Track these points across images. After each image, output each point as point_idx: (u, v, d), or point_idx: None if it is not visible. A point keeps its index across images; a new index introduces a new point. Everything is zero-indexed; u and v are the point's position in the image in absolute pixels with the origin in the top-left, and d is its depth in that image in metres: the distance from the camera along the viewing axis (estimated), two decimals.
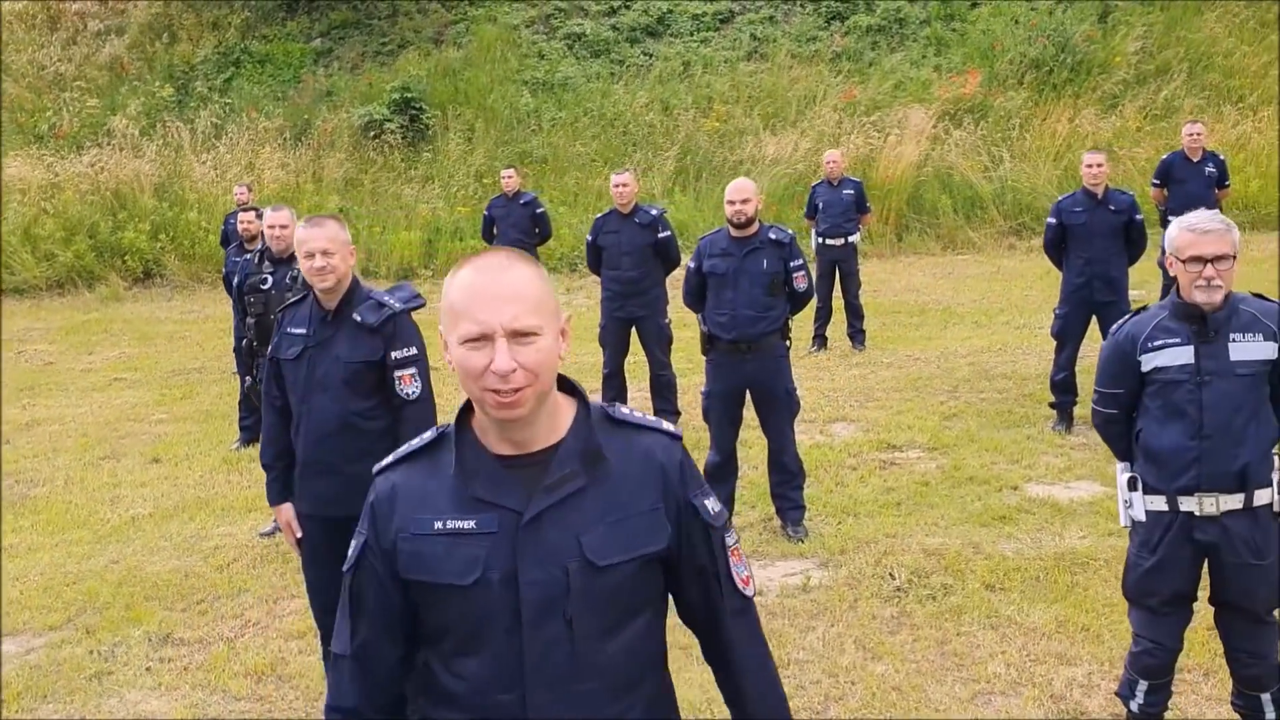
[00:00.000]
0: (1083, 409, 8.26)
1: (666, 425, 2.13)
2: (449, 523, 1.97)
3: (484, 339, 1.89)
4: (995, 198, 17.83)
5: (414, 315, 4.46)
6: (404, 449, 2.11)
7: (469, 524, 1.96)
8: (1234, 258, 3.65)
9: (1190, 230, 3.65)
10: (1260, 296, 3.82)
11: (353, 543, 2.09)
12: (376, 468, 2.13)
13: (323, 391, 4.26)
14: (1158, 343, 3.77)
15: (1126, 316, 3.98)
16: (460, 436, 2.04)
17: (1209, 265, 3.61)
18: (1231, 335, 3.70)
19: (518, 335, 1.89)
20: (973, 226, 17.68)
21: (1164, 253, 3.87)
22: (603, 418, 2.07)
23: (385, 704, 2.11)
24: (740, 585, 2.13)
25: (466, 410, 2.06)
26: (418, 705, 2.09)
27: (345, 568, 2.10)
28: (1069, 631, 5.19)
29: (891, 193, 17.64)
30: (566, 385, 2.07)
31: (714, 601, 2.11)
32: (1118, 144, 17.63)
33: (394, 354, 4.25)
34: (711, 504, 2.10)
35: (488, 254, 1.98)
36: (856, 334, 11.54)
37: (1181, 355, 3.73)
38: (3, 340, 14.76)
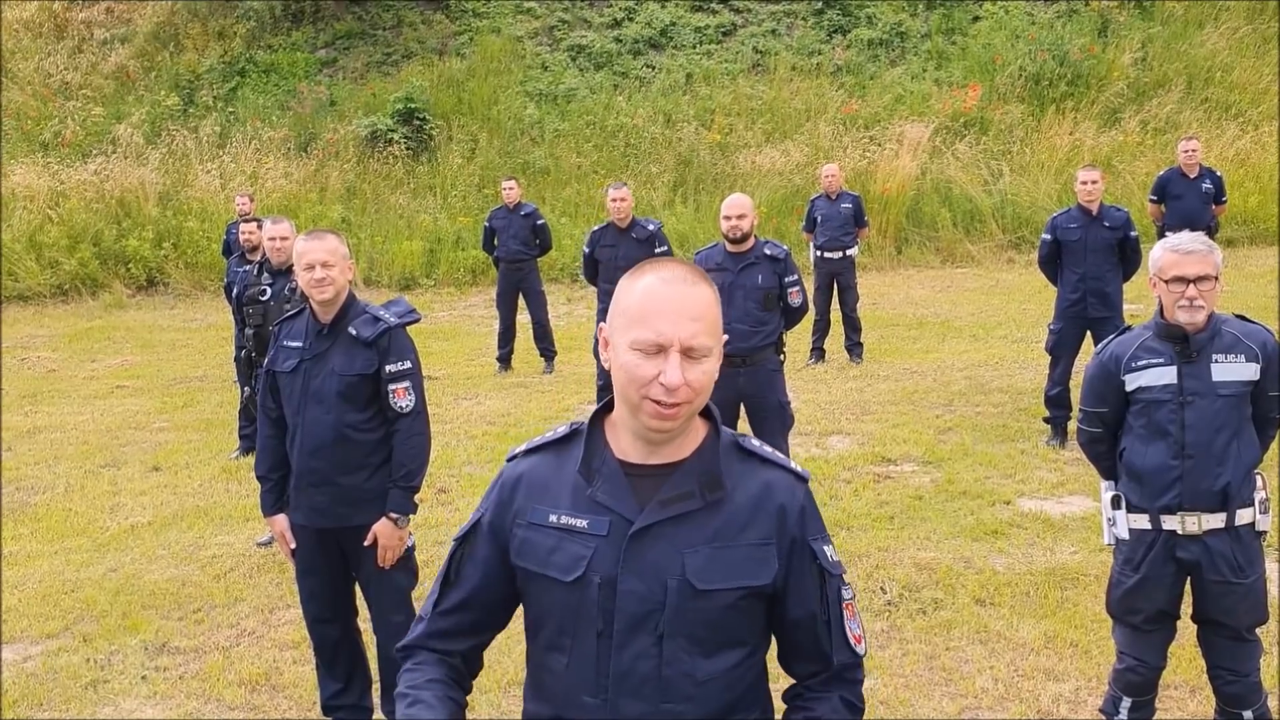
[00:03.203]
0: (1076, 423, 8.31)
1: (794, 466, 2.12)
2: (564, 518, 2.03)
3: (659, 350, 1.91)
4: (995, 211, 17.89)
5: (409, 329, 4.52)
6: (538, 439, 2.17)
7: (582, 523, 2.01)
8: (1216, 279, 3.70)
9: (1173, 251, 3.71)
10: (1243, 318, 3.87)
11: (471, 516, 2.15)
12: (510, 453, 2.18)
13: (318, 404, 4.31)
14: (1141, 362, 3.82)
15: (1111, 336, 4.03)
16: (591, 436, 2.08)
17: (1191, 285, 3.66)
18: (1214, 356, 3.75)
19: (691, 352, 1.92)
20: (972, 240, 17.74)
21: None
22: (731, 445, 2.08)
23: (450, 653, 2.15)
24: (851, 641, 2.08)
25: (602, 410, 2.10)
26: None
27: (455, 537, 2.17)
28: (1057, 647, 5.22)
29: (890, 205, 17.70)
30: (703, 409, 2.09)
31: (821, 650, 2.06)
32: (1117, 158, 17.70)
33: (388, 367, 4.30)
34: (830, 551, 2.08)
35: (673, 265, 1.99)
36: (854, 347, 11.59)
37: (1165, 375, 3.78)
38: (6, 348, 14.85)
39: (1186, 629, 4.61)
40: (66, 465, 9.43)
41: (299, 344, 4.40)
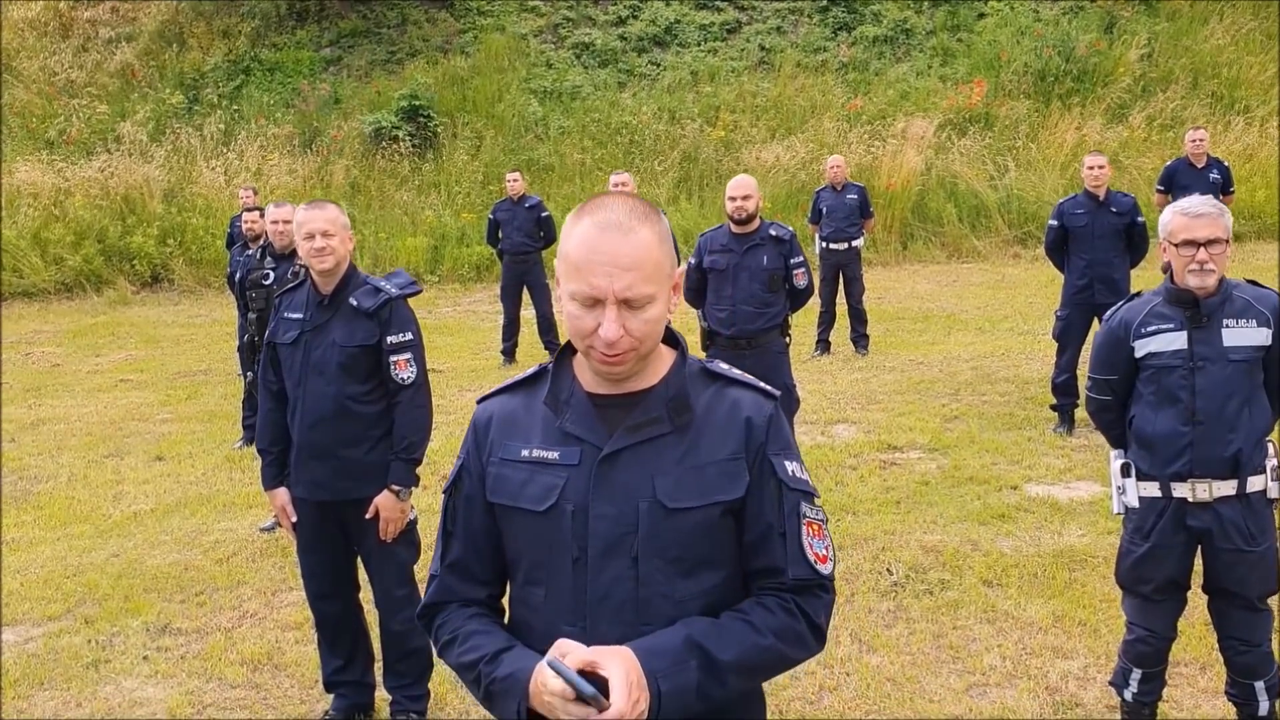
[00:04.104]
0: (1084, 411, 8.25)
1: (763, 385, 2.10)
2: (535, 451, 2.02)
3: (595, 302, 1.90)
4: (1000, 206, 17.84)
5: (409, 301, 4.48)
6: (506, 381, 2.18)
7: (553, 454, 2.00)
8: (1227, 242, 3.65)
9: (1183, 214, 3.66)
10: (1254, 283, 3.82)
11: (453, 466, 2.15)
12: (479, 397, 2.18)
13: (318, 375, 4.27)
14: (1151, 328, 3.77)
15: (1120, 303, 3.98)
16: (558, 371, 2.08)
17: (1201, 249, 3.61)
18: (1225, 321, 3.69)
19: (629, 303, 1.90)
20: (978, 235, 17.69)
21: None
22: (699, 371, 2.07)
23: (469, 602, 2.12)
24: (811, 558, 2.02)
25: (570, 347, 2.08)
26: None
27: (444, 489, 2.16)
28: (1066, 626, 5.17)
29: (895, 201, 17.67)
30: (669, 336, 2.08)
31: (776, 565, 2.01)
32: (1124, 154, 17.64)
33: (389, 339, 4.27)
34: (792, 467, 2.04)
35: (611, 205, 1.94)
36: (859, 338, 11.54)
37: (1175, 341, 3.72)
38: (11, 343, 14.85)
39: (1197, 607, 4.57)
40: (70, 455, 9.41)
41: (300, 315, 4.36)
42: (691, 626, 1.93)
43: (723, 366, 2.10)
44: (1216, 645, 4.09)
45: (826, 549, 2.06)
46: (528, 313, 12.22)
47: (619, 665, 1.82)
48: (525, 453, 2.03)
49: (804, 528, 2.03)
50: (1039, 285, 14.45)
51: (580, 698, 1.78)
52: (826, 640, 2.10)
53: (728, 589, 2.02)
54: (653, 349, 1.99)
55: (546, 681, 1.82)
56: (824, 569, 2.04)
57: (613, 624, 1.95)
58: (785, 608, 2.00)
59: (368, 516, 4.30)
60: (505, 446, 2.06)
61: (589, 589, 1.96)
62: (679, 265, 2.03)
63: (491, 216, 12.42)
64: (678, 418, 1.99)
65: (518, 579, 2.08)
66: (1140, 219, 8.17)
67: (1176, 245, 3.67)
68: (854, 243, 11.49)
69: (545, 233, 12.11)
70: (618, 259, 1.88)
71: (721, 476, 1.98)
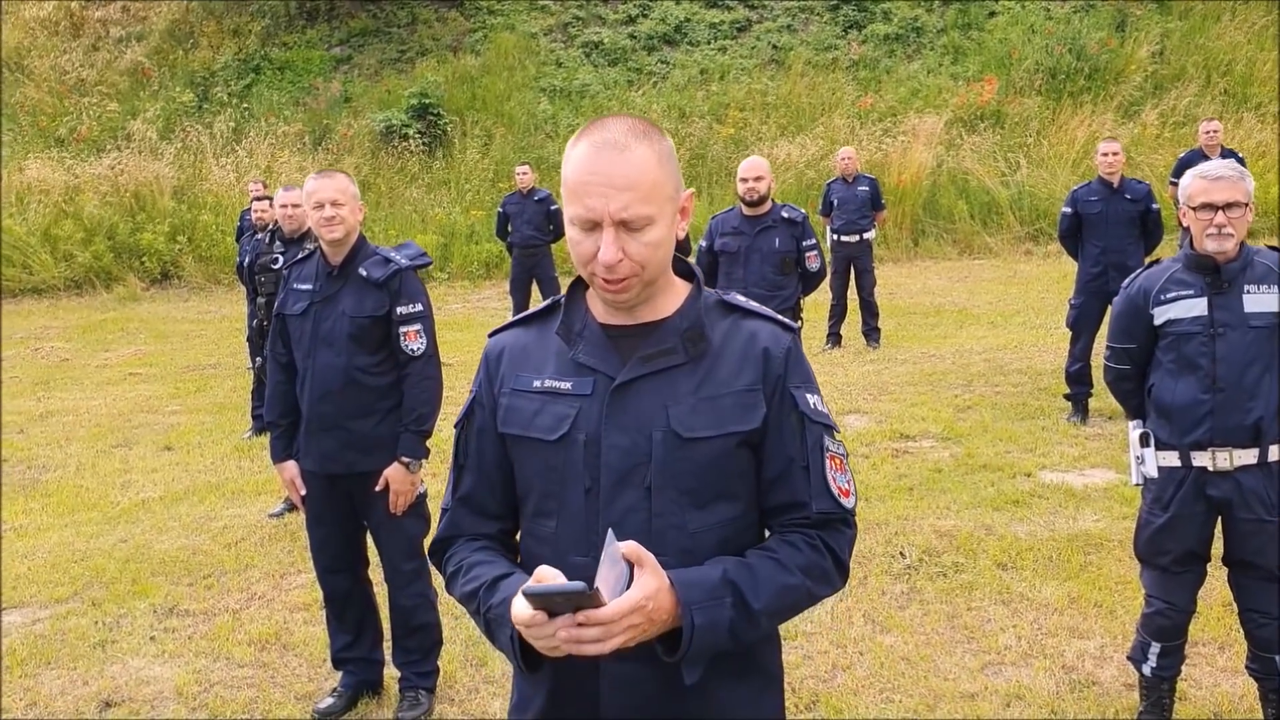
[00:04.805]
0: (1098, 400, 8.20)
1: (781, 317, 2.05)
2: (547, 382, 1.98)
3: (594, 225, 1.85)
4: (1012, 203, 17.78)
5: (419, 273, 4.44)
6: (518, 316, 2.14)
7: (565, 385, 1.96)
8: (1247, 206, 3.59)
9: (1203, 178, 3.60)
10: (1276, 249, 3.76)
11: (466, 400, 2.11)
12: (490, 331, 2.14)
13: (328, 347, 4.23)
14: (1170, 295, 3.70)
15: (1139, 270, 3.92)
16: (571, 303, 2.03)
17: (1220, 213, 3.55)
18: (1246, 287, 3.63)
19: (627, 225, 1.84)
20: (989, 231, 17.63)
21: (1178, 205, 3.81)
22: (715, 302, 2.02)
23: (478, 536, 2.08)
24: (835, 491, 1.97)
25: (582, 279, 2.04)
26: None
27: (455, 423, 2.12)
28: (1081, 607, 5.11)
29: (906, 197, 17.61)
30: (684, 268, 2.04)
31: (799, 499, 1.96)
32: (1136, 151, 17.54)
33: (399, 309, 4.23)
34: (814, 400, 1.98)
35: (609, 125, 1.89)
36: (871, 331, 11.47)
37: (1195, 307, 3.66)
38: (20, 339, 14.86)
39: (1215, 588, 4.52)
40: (78, 446, 9.39)
41: (309, 286, 4.32)
42: (725, 564, 1.88)
43: (739, 298, 2.05)
44: (1237, 623, 4.03)
45: (849, 483, 2.01)
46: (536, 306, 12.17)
47: (644, 583, 1.76)
48: (537, 383, 1.99)
49: (827, 461, 1.97)
50: (1051, 281, 14.38)
51: (564, 601, 1.71)
52: (849, 576, 2.05)
53: (743, 523, 1.97)
54: (657, 275, 1.93)
55: (518, 613, 1.77)
56: (847, 502, 1.99)
57: None
58: (811, 544, 1.95)
59: (377, 489, 4.25)
60: (517, 378, 2.02)
61: (601, 520, 1.90)
62: (684, 188, 1.98)
63: (501, 210, 12.40)
64: (693, 348, 1.94)
65: (527, 511, 2.03)
66: (1155, 205, 8.11)
67: (1195, 209, 3.61)
68: (865, 235, 11.43)
69: (554, 226, 12.09)
70: (613, 179, 1.83)
71: (737, 407, 1.93)
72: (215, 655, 5.09)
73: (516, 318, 2.13)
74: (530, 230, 11.96)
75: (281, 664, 4.98)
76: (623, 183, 1.83)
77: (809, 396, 1.98)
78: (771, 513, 2.00)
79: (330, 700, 4.49)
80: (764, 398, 1.94)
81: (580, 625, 1.71)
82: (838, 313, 11.53)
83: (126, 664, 5.08)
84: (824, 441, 1.98)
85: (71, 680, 4.93)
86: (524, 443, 1.99)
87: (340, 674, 4.61)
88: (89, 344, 14.80)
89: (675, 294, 2.00)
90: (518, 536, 2.11)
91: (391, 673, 4.64)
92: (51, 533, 7.10)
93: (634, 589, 1.75)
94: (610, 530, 1.78)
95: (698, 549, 1.91)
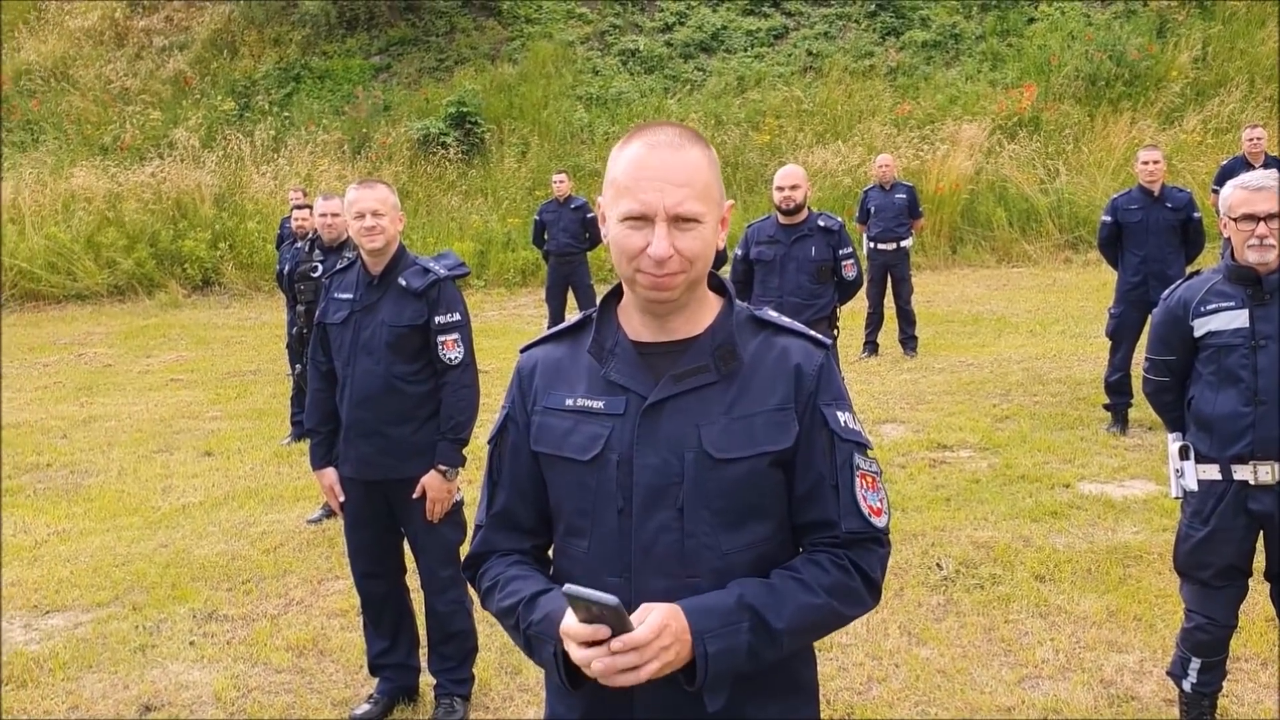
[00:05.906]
0: (1138, 411, 8.12)
1: (814, 333, 2.04)
2: (580, 400, 1.98)
3: (645, 220, 1.85)
4: (1051, 211, 17.64)
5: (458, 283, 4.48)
6: (551, 330, 2.14)
7: (598, 404, 1.96)
8: None
9: (1244, 188, 3.57)
10: None
11: (497, 415, 2.12)
12: (522, 345, 2.14)
13: (367, 355, 4.28)
14: (1211, 306, 3.67)
15: (1179, 281, 3.89)
16: (602, 320, 2.03)
17: (1262, 223, 3.52)
18: None
19: (679, 220, 1.85)
20: (1028, 239, 17.51)
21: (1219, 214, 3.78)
22: (747, 318, 2.02)
23: (510, 552, 2.09)
24: (865, 510, 1.95)
25: (613, 295, 2.05)
26: None
27: (489, 439, 2.13)
28: (1120, 620, 5.06)
29: (944, 205, 17.52)
30: (716, 283, 2.03)
31: (828, 518, 1.94)
32: (1177, 158, 17.37)
33: (438, 319, 4.26)
34: (845, 418, 1.97)
35: (661, 128, 1.90)
36: (908, 340, 11.42)
37: (1236, 319, 3.63)
38: (63, 344, 15.06)
39: (1257, 603, 4.46)
40: (120, 451, 9.50)
41: (350, 296, 4.37)
42: (744, 587, 1.87)
43: (772, 314, 2.04)
44: (1279, 638, 3.99)
45: (881, 501, 1.99)
46: (572, 314, 12.20)
47: (661, 613, 1.77)
48: (570, 401, 1.99)
49: (857, 479, 1.96)
50: (1090, 289, 14.26)
51: (598, 612, 1.71)
52: (882, 595, 2.04)
53: (775, 542, 1.96)
54: (701, 276, 1.93)
55: (564, 624, 1.78)
56: (878, 522, 1.97)
57: (657, 576, 1.89)
58: (838, 564, 1.93)
59: (414, 496, 4.29)
60: (549, 395, 2.02)
61: (633, 540, 1.91)
62: (727, 199, 1.99)
63: (537, 218, 12.45)
64: (724, 366, 1.94)
65: (560, 529, 2.04)
66: (1196, 214, 8.02)
67: (1236, 220, 3.58)
68: (902, 243, 11.38)
69: (590, 234, 12.12)
70: (669, 175, 1.84)
71: (770, 426, 1.92)
72: (253, 660, 5.14)
73: (548, 332, 2.13)
74: (566, 238, 12.01)
75: (318, 669, 5.03)
76: (680, 178, 1.85)
77: (840, 414, 1.97)
78: (802, 531, 1.99)
79: (366, 706, 4.52)
80: (796, 416, 1.93)
81: (614, 654, 1.72)
82: (874, 321, 11.49)
83: (166, 668, 5.13)
84: (854, 459, 1.96)
85: (112, 684, 4.99)
86: (557, 462, 1.99)
87: (376, 680, 4.64)
88: (131, 350, 14.98)
89: (708, 308, 2.00)
90: (550, 551, 2.12)
91: (427, 679, 4.66)
92: (94, 537, 7.19)
93: (654, 614, 1.76)
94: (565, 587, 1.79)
95: (731, 569, 1.90)
